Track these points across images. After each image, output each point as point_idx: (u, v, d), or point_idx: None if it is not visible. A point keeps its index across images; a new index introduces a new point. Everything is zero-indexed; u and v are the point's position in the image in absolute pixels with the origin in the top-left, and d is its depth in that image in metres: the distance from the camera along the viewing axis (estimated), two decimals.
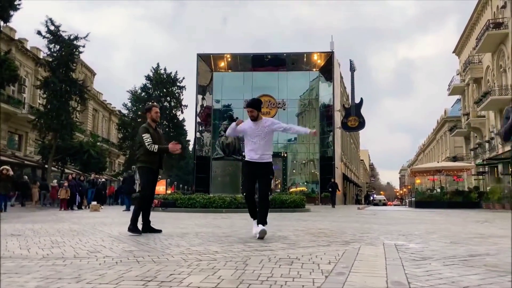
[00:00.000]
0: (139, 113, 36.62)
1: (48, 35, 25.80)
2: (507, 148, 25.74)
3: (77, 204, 18.59)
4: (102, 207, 18.07)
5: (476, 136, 35.73)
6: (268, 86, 34.40)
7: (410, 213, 15.55)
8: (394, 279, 2.54)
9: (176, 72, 38.01)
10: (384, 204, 51.60)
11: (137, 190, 34.35)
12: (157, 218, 8.69)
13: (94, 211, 14.64)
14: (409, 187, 52.08)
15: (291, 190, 32.19)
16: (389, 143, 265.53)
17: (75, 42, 26.46)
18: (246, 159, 5.28)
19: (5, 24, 22.83)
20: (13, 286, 2.42)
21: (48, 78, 26.12)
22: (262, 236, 4.82)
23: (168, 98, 37.35)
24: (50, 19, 25.83)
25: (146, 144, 5.57)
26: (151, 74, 37.64)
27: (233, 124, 5.45)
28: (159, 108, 6.20)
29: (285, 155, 33.67)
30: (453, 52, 41.97)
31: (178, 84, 37.75)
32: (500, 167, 27.80)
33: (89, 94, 33.93)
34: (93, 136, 38.72)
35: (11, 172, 14.71)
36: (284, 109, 34.23)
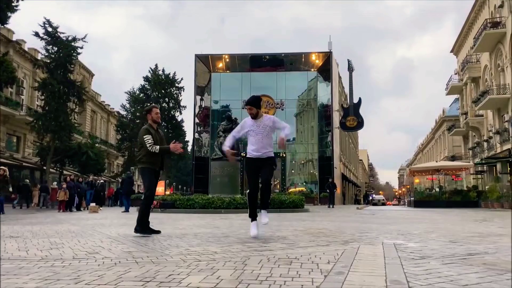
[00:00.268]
0: (137, 114, 36.63)
1: (46, 36, 25.76)
2: (506, 147, 25.79)
3: (75, 205, 18.57)
4: (101, 208, 18.06)
5: (474, 135, 35.79)
6: (267, 87, 34.41)
7: (409, 213, 15.57)
8: (393, 278, 2.54)
9: (175, 73, 38.13)
10: (383, 204, 51.62)
11: (136, 191, 34.43)
12: (156, 219, 8.69)
13: (93, 213, 14.62)
14: (408, 186, 52.14)
15: (290, 190, 32.20)
16: (388, 142, 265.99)
17: (73, 43, 26.40)
18: (248, 156, 5.31)
19: (2, 26, 22.79)
20: (12, 287, 2.41)
21: (46, 79, 26.07)
22: (265, 223, 5.20)
23: (167, 99, 37.36)
24: (48, 21, 25.79)
25: (147, 145, 5.57)
26: (149, 75, 37.64)
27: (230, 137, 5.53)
28: (159, 109, 6.20)
29: (284, 155, 33.66)
30: (451, 51, 42.03)
31: (176, 85, 37.78)
32: (498, 166, 27.85)
33: (87, 96, 33.93)
34: (91, 138, 38.68)
35: (7, 173, 14.68)
36: (282, 109, 34.25)
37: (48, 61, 26.65)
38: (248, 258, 3.36)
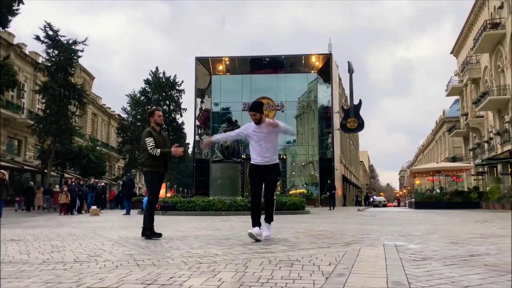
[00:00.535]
0: (138, 117, 36.65)
1: (46, 40, 25.83)
2: (506, 148, 25.77)
3: (76, 208, 18.58)
4: (102, 211, 18.06)
5: (475, 136, 35.76)
6: (267, 89, 34.46)
7: (410, 214, 15.55)
8: (394, 280, 2.54)
9: (175, 75, 38.08)
10: (384, 206, 51.54)
11: (138, 194, 34.39)
12: (157, 221, 8.65)
13: (94, 216, 14.62)
14: (409, 188, 52.09)
15: (291, 192, 32.20)
16: (388, 144, 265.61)
17: (73, 46, 26.48)
18: (252, 162, 5.24)
19: (3, 29, 22.84)
20: None
21: (47, 82, 26.14)
22: (267, 235, 5.03)
23: (167, 102, 37.35)
24: (49, 24, 25.88)
25: (149, 148, 5.57)
26: (150, 78, 37.65)
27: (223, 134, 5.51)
28: (162, 111, 6.19)
29: (284, 157, 33.65)
30: (451, 53, 42.03)
31: (177, 87, 37.77)
32: (499, 167, 27.82)
33: (88, 99, 33.95)
34: (92, 141, 38.70)
35: (6, 177, 14.69)
36: (282, 112, 34.24)
37: (49, 64, 26.72)
38: (249, 260, 3.37)
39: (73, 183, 19.05)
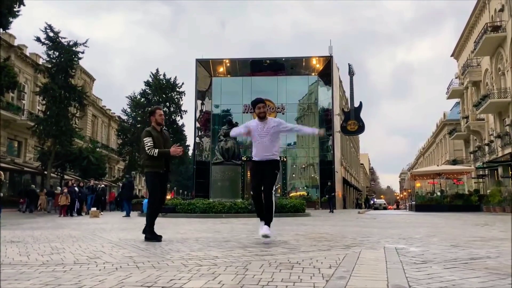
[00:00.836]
0: (138, 118, 36.66)
1: (47, 41, 25.86)
2: (507, 150, 25.76)
3: (76, 210, 18.57)
4: (102, 213, 18.05)
5: (475, 139, 35.76)
6: (267, 91, 34.43)
7: (410, 217, 15.53)
8: (395, 283, 2.53)
9: (176, 77, 38.10)
10: (385, 208, 51.45)
11: (140, 195, 34.31)
12: (157, 223, 8.64)
13: (94, 217, 14.62)
14: (409, 190, 52.05)
15: (291, 194, 32.19)
16: (389, 146, 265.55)
17: (74, 48, 26.52)
18: (253, 158, 5.27)
19: (4, 31, 22.89)
20: None
21: (47, 84, 26.16)
22: (265, 235, 4.92)
23: (168, 104, 37.39)
24: (49, 26, 25.92)
25: (146, 148, 5.51)
26: (150, 79, 37.69)
27: (240, 129, 5.49)
28: (163, 110, 6.13)
29: (285, 159, 33.67)
30: (451, 55, 42.07)
31: (177, 89, 37.81)
32: (500, 170, 27.81)
33: (88, 100, 33.97)
34: (92, 142, 38.70)
35: (3, 177, 14.69)
36: (283, 114, 34.28)
37: (50, 66, 26.76)
38: (249, 263, 3.36)
39: (73, 185, 19.05)
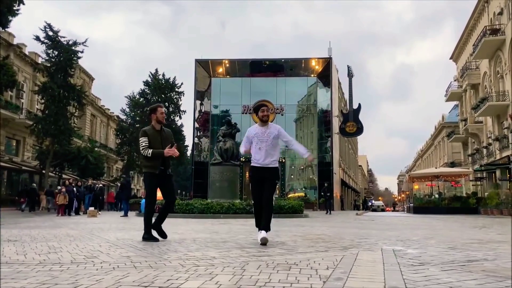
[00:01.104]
0: (137, 118, 36.64)
1: (46, 40, 25.82)
2: (505, 153, 25.80)
3: (74, 209, 18.53)
4: (99, 212, 18.02)
5: (474, 142, 35.83)
6: (266, 92, 34.52)
7: (408, 219, 15.54)
8: (392, 285, 2.53)
9: (175, 77, 38.11)
10: (383, 210, 51.51)
11: (138, 195, 34.26)
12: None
13: (92, 217, 14.58)
14: (407, 193, 52.08)
15: (289, 195, 32.19)
16: (387, 148, 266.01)
17: (73, 47, 26.47)
18: (252, 164, 5.27)
19: (3, 29, 22.85)
20: None
21: (46, 83, 26.11)
22: (264, 242, 4.80)
23: (167, 104, 37.37)
24: (49, 25, 25.86)
25: (141, 148, 5.44)
26: (149, 79, 37.68)
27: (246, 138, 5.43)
28: (164, 108, 6.04)
29: (283, 160, 33.67)
30: (450, 58, 42.16)
31: (176, 89, 37.81)
32: (498, 172, 27.85)
33: (87, 100, 33.96)
34: (91, 142, 38.64)
35: None
36: (282, 115, 34.32)
37: (49, 65, 26.71)
38: (246, 264, 3.36)
39: (71, 184, 19.01)
